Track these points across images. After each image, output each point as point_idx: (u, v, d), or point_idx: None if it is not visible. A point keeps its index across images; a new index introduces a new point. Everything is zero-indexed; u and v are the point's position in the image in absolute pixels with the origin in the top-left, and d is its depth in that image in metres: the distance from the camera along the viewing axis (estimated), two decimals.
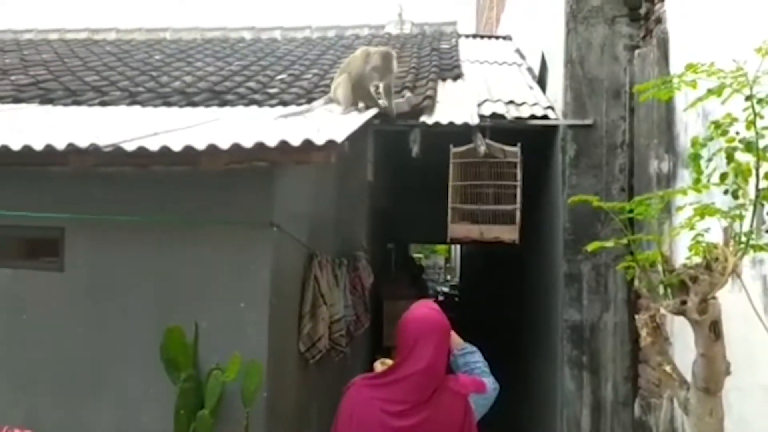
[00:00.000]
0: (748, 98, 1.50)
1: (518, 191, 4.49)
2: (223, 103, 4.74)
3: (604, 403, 4.22)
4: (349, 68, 4.34)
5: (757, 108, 1.50)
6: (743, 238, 1.54)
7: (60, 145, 2.79)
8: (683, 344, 2.63)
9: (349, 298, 4.58)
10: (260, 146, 2.75)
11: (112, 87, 5.18)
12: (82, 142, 2.80)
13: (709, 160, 1.61)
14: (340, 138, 2.91)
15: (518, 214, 4.49)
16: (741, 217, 1.54)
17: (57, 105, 4.74)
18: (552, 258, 4.71)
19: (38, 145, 2.80)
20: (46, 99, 4.83)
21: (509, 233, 4.52)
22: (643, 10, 4.28)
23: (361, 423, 1.95)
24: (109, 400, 3.08)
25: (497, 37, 8.85)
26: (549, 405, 4.78)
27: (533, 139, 4.74)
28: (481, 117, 4.57)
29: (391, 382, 1.98)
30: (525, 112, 4.75)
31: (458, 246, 13.78)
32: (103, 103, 4.74)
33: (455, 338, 2.15)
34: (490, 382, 2.10)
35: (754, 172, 1.52)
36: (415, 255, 15.95)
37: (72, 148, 2.78)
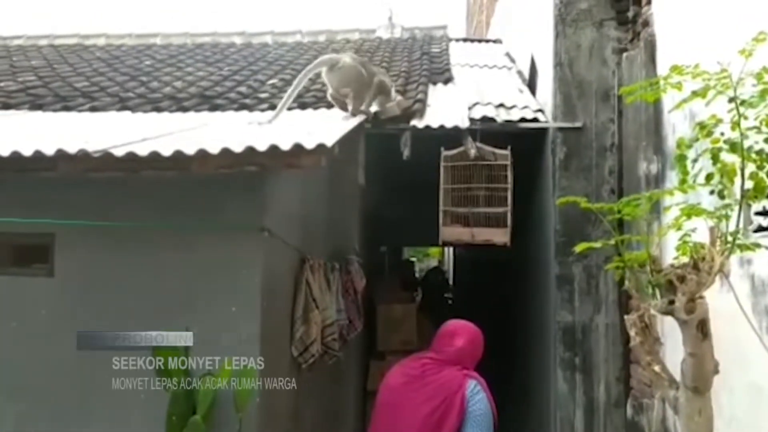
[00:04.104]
0: (731, 100, 1.52)
1: (509, 194, 4.51)
2: (214, 108, 4.72)
3: (597, 405, 4.24)
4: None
5: (741, 109, 1.52)
6: (730, 238, 1.56)
7: (49, 150, 2.77)
8: (674, 344, 2.64)
9: (342, 302, 4.57)
10: (250, 150, 2.74)
11: (102, 92, 5.15)
12: (72, 148, 2.79)
13: (695, 160, 1.63)
14: (330, 142, 2.91)
15: (509, 216, 4.50)
16: (727, 217, 1.56)
17: (47, 111, 4.71)
18: (544, 260, 4.73)
19: (27, 151, 2.78)
20: (36, 105, 4.80)
21: (501, 236, 4.54)
22: (630, 14, 4.31)
23: None
24: (99, 407, 3.05)
25: (487, 41, 8.88)
26: (542, 407, 4.79)
27: (524, 141, 4.76)
28: (472, 120, 4.59)
29: None
30: (515, 115, 4.76)
31: (451, 249, 13.77)
32: (93, 109, 4.71)
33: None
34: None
35: (739, 172, 1.54)
36: (411, 258, 15.93)
37: (61, 154, 2.76)
